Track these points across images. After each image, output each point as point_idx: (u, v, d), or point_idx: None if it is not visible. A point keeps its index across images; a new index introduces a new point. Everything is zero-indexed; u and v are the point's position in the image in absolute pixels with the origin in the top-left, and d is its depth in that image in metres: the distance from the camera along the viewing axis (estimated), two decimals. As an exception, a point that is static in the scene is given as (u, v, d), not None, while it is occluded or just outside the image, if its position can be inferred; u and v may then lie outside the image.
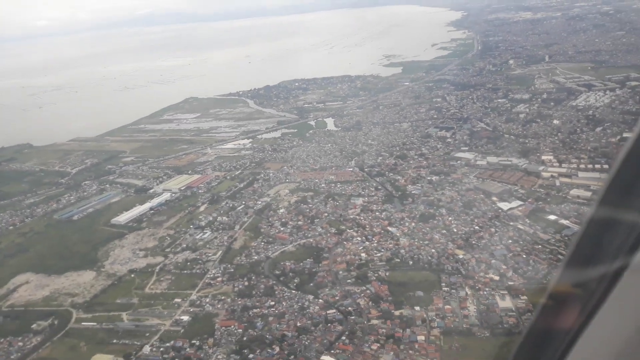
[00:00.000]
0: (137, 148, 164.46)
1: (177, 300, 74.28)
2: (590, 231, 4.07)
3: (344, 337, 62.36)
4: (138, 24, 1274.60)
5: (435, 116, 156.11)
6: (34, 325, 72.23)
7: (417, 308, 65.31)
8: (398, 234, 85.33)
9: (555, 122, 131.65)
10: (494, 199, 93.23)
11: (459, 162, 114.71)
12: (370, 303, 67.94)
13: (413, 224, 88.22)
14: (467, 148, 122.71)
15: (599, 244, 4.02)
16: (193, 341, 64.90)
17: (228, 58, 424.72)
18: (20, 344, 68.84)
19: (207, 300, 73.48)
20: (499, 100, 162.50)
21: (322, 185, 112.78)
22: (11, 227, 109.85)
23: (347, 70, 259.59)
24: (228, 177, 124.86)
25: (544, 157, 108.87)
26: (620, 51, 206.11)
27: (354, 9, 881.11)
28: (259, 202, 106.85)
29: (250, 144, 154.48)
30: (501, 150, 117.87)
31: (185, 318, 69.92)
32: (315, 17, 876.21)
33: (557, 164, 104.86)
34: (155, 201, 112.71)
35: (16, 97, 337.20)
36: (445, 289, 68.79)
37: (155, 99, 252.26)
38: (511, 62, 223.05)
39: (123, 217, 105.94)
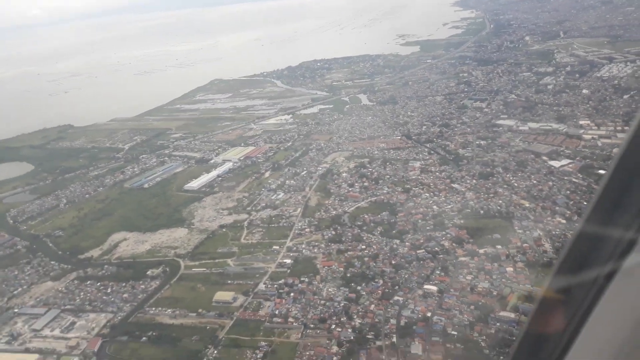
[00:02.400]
0: (181, 126, 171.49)
1: (275, 247, 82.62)
2: (582, 236, 4.15)
3: (437, 271, 70.92)
4: (135, 11, 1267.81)
5: (466, 89, 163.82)
6: (148, 272, 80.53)
7: (499, 246, 73.88)
8: (463, 190, 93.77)
9: (585, 91, 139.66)
10: (544, 158, 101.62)
11: (501, 128, 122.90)
12: (453, 244, 76.46)
13: (474, 181, 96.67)
14: (506, 116, 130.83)
15: (590, 249, 4.08)
16: (302, 278, 73.27)
17: (239, 42, 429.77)
18: (143, 286, 77.21)
19: (303, 246, 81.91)
20: (524, 73, 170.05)
21: (375, 152, 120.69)
22: (87, 196, 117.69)
23: (365, 50, 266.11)
24: (282, 148, 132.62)
25: (581, 122, 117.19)
26: (634, 25, 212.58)
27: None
28: (320, 168, 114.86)
29: (292, 119, 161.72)
30: (538, 118, 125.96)
31: (288, 261, 78.24)
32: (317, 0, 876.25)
33: (596, 127, 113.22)
34: (220, 169, 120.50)
35: (35, 83, 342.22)
36: (520, 231, 77.29)
37: (180, 81, 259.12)
38: (527, 38, 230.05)
39: (195, 184, 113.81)
